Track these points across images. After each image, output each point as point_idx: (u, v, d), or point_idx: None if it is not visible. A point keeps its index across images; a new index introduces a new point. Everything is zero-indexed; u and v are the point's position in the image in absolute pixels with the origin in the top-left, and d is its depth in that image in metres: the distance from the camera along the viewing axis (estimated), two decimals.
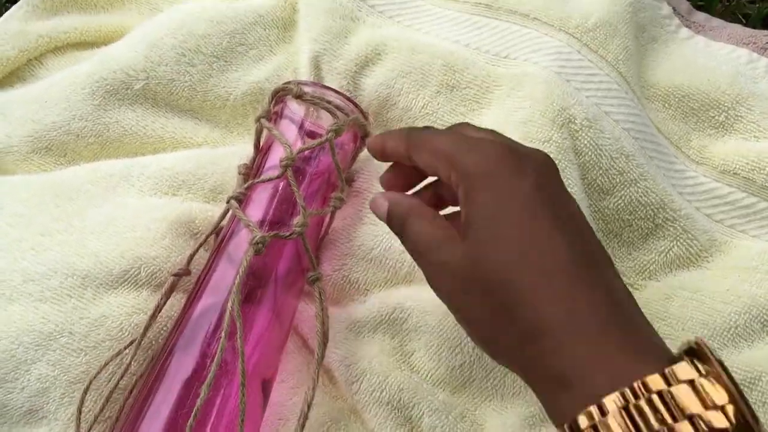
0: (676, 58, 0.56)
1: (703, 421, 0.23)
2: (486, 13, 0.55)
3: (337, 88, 0.50)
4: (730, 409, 0.24)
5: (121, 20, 0.62)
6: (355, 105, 0.49)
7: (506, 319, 0.28)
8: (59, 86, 0.54)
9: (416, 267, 0.46)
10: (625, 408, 0.24)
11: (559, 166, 0.46)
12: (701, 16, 0.61)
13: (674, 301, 0.47)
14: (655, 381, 0.25)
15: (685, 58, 0.56)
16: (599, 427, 0.24)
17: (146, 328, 0.43)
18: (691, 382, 0.24)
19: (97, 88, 0.54)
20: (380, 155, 0.39)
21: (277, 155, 0.46)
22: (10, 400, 0.43)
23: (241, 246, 0.43)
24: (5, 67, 0.57)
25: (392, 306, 0.45)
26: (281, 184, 0.45)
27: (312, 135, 0.47)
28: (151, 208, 0.48)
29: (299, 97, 0.47)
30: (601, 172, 0.49)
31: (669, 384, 0.24)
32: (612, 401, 0.24)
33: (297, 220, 0.42)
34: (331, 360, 0.44)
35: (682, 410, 0.24)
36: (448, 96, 0.51)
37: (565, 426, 0.26)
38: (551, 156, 0.45)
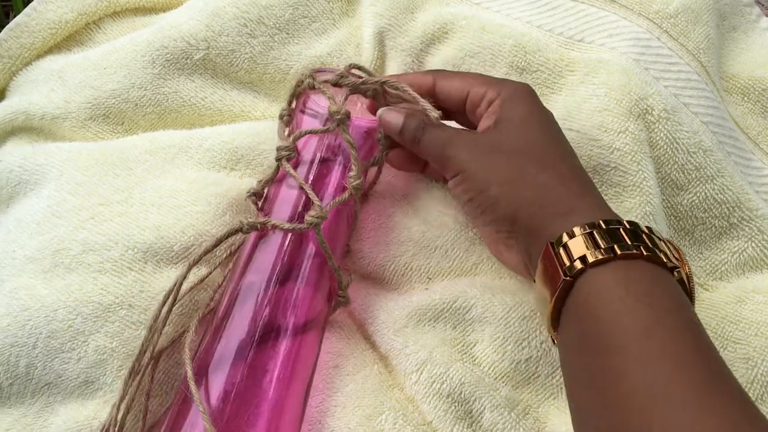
0: (756, 49, 0.54)
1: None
2: None
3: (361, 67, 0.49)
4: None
5: None
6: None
7: (541, 176, 0.39)
8: (119, 53, 0.54)
9: (484, 258, 0.46)
10: (589, 233, 0.35)
11: (634, 159, 0.45)
12: None
13: (747, 304, 0.46)
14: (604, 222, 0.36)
15: (766, 49, 0.54)
16: (569, 244, 0.35)
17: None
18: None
19: (157, 56, 0.53)
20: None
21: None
22: (65, 371, 0.43)
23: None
24: (63, 30, 0.57)
25: (455, 295, 0.44)
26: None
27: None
28: (211, 182, 0.48)
29: (312, 88, 0.47)
30: (676, 166, 0.47)
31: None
32: (580, 228, 0.36)
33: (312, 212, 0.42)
34: (390, 348, 0.44)
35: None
36: (517, 78, 0.50)
37: (556, 240, 0.36)
38: (627, 147, 0.45)
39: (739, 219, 0.48)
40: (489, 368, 0.43)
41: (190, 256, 0.45)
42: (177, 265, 0.45)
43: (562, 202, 0.38)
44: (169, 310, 0.41)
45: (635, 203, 0.45)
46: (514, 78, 0.50)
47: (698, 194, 0.47)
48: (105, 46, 0.56)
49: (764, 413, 0.42)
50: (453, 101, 0.45)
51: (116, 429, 0.40)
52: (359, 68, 0.49)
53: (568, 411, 0.42)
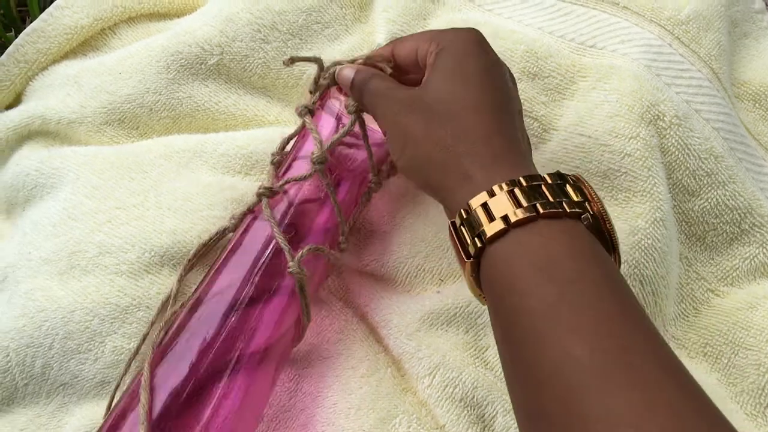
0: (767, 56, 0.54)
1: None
2: None
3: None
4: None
5: None
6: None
7: (439, 131, 0.36)
8: (134, 58, 0.54)
9: None
10: (510, 191, 0.33)
11: (645, 164, 0.45)
12: None
13: (758, 310, 0.46)
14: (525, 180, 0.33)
15: None
16: (489, 204, 0.33)
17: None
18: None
19: (171, 61, 0.54)
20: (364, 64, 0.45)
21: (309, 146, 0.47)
22: (82, 371, 0.44)
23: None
24: (79, 35, 0.57)
25: (468, 299, 0.44)
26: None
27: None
28: (226, 186, 0.49)
29: (316, 81, 0.47)
30: (688, 172, 0.47)
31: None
32: (500, 187, 0.33)
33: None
34: (403, 351, 0.44)
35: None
36: (529, 84, 0.50)
37: (462, 209, 0.34)
38: (638, 152, 0.45)
39: (751, 225, 0.48)
40: (501, 372, 0.43)
41: (206, 260, 0.45)
42: (194, 269, 0.45)
43: (461, 164, 0.35)
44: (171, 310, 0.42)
45: (645, 209, 0.45)
46: (525, 83, 0.50)
47: (710, 200, 0.48)
48: (120, 51, 0.57)
49: None
50: (408, 63, 0.43)
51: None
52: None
53: None
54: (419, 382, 0.43)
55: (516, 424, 0.41)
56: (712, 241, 0.48)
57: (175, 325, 0.41)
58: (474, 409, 0.42)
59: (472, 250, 0.33)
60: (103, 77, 0.54)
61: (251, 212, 0.45)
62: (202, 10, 0.58)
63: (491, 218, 0.32)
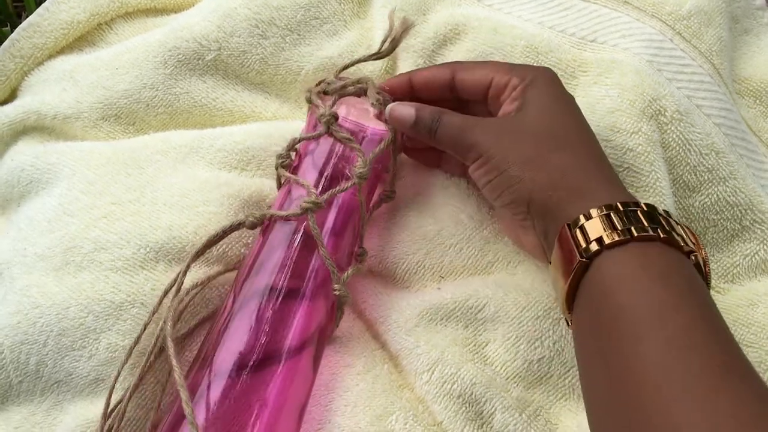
0: None
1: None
2: None
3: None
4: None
5: None
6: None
7: (555, 155, 0.40)
8: (131, 54, 0.54)
9: (499, 257, 0.46)
10: (606, 215, 0.36)
11: (647, 159, 0.45)
12: None
13: (759, 308, 0.46)
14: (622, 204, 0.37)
15: None
16: (612, 215, 0.36)
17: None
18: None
19: (168, 57, 0.53)
20: (422, 85, 0.47)
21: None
22: (76, 369, 0.43)
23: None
24: (76, 30, 0.57)
25: (467, 294, 0.44)
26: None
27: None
28: (223, 182, 0.48)
29: (309, 102, 0.47)
30: (689, 168, 0.47)
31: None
32: (597, 209, 0.36)
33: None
34: (401, 347, 0.43)
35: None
36: None
37: (572, 221, 0.37)
38: (640, 147, 0.44)
39: (752, 221, 0.47)
40: (501, 368, 0.43)
41: (203, 257, 0.45)
42: (198, 260, 0.44)
43: (579, 184, 0.38)
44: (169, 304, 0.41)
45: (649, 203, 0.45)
46: None
47: (710, 196, 0.47)
48: (117, 46, 0.56)
49: None
50: (475, 90, 0.45)
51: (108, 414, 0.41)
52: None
53: (579, 412, 0.42)
54: (417, 378, 0.42)
55: (514, 422, 0.41)
56: (713, 237, 0.48)
57: (215, 331, 0.41)
58: (472, 406, 0.41)
59: (585, 252, 0.35)
60: (100, 72, 0.54)
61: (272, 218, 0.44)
62: (199, 6, 0.57)
63: (614, 229, 0.35)
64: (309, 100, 0.47)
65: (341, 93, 0.47)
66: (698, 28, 0.51)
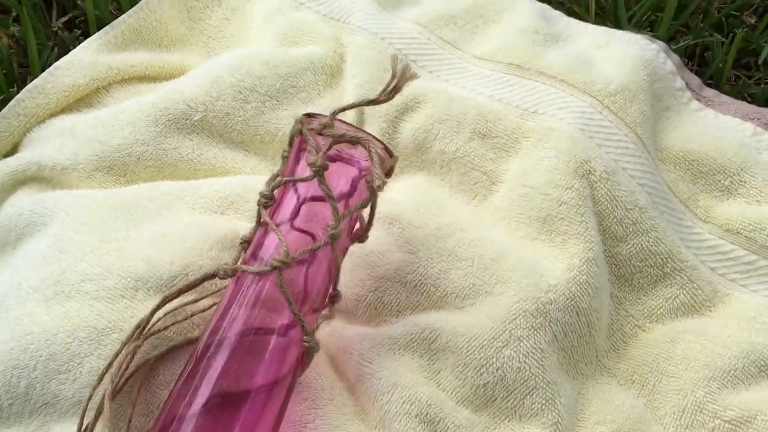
0: (687, 126, 0.60)
1: None
2: (517, 72, 0.60)
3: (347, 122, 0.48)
4: None
5: (182, 60, 0.67)
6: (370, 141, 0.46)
7: None
8: (126, 113, 0.58)
9: (448, 292, 0.49)
10: None
11: (578, 211, 0.50)
12: (711, 92, 0.66)
13: (679, 343, 0.50)
14: None
15: (695, 127, 0.60)
16: None
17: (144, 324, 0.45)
18: None
19: (160, 116, 0.58)
20: None
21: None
22: (62, 391, 0.45)
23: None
24: (76, 93, 0.61)
25: (422, 326, 0.47)
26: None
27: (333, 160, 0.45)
28: (201, 224, 0.51)
29: (300, 134, 0.46)
30: (616, 220, 0.52)
31: None
32: None
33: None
34: (363, 373, 0.46)
35: None
36: (480, 142, 0.55)
37: None
38: (573, 200, 0.49)
39: (672, 269, 0.52)
40: (452, 393, 0.46)
41: (176, 284, 0.47)
42: (165, 292, 0.47)
43: None
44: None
45: (579, 249, 0.49)
46: (476, 142, 0.55)
47: (635, 245, 0.52)
48: (113, 107, 0.60)
49: None
50: None
51: None
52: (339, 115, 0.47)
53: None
54: (377, 400, 0.44)
55: None
56: (639, 282, 0.52)
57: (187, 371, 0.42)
58: (428, 425, 0.44)
59: None
60: (97, 129, 0.58)
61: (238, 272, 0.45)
62: (189, 74, 0.62)
63: None
64: (300, 133, 0.46)
65: (337, 140, 0.45)
66: (623, 103, 0.57)
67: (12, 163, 0.58)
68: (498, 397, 0.46)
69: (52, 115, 0.61)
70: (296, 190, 0.47)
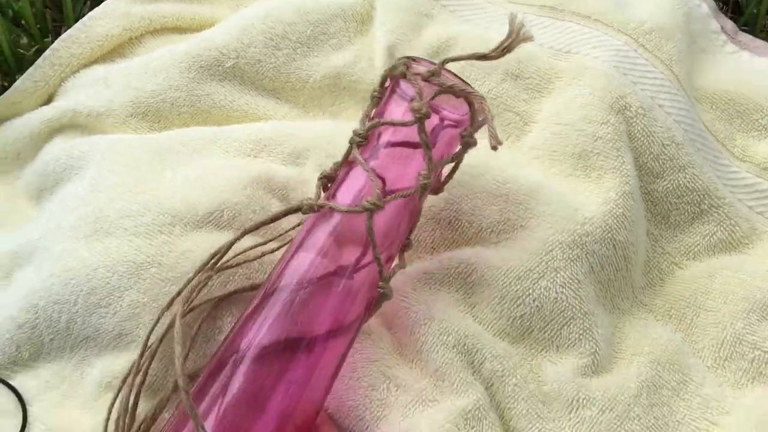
0: (723, 68, 0.59)
1: None
2: (551, 14, 0.59)
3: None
4: None
5: (211, 12, 0.66)
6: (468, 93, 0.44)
7: None
8: (160, 60, 0.58)
9: (482, 228, 0.49)
10: None
11: (614, 146, 0.49)
12: (746, 37, 0.64)
13: (717, 278, 0.49)
14: None
15: (731, 69, 0.59)
16: None
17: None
18: None
19: (192, 63, 0.58)
20: None
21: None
22: (102, 325, 0.46)
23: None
24: (109, 43, 0.61)
25: (458, 261, 0.47)
26: None
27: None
28: (235, 166, 0.51)
29: (404, 76, 0.43)
30: (652, 156, 0.51)
31: None
32: None
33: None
34: (399, 308, 0.46)
35: None
36: (512, 84, 0.54)
37: None
38: (608, 135, 0.49)
39: (709, 206, 0.51)
40: (488, 326, 0.46)
41: (213, 220, 0.48)
42: (201, 228, 0.47)
43: None
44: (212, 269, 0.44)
45: (615, 183, 0.49)
46: (508, 83, 0.55)
47: (672, 182, 0.51)
48: (146, 56, 0.60)
49: (735, 370, 0.46)
50: None
51: (139, 374, 0.43)
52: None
53: (557, 362, 0.45)
54: (415, 331, 0.44)
55: (501, 368, 0.44)
56: (675, 219, 0.52)
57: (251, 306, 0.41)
58: (465, 356, 0.44)
59: None
60: (130, 76, 0.58)
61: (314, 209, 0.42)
62: (220, 24, 0.62)
63: None
64: (403, 75, 0.43)
65: (445, 90, 0.43)
66: (659, 42, 0.56)
67: (48, 111, 0.58)
68: (535, 328, 0.46)
69: (85, 65, 0.61)
70: (378, 134, 0.44)
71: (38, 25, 0.65)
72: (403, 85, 0.44)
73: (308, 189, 0.51)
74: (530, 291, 0.46)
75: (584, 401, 0.44)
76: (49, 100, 0.61)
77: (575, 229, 0.47)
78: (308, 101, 0.60)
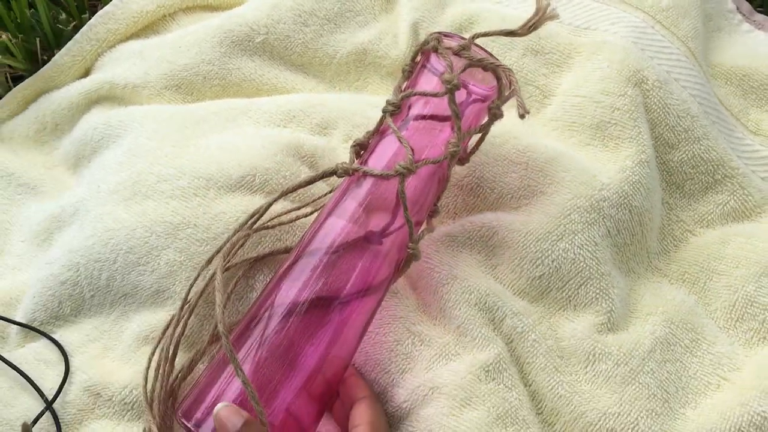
0: (738, 46, 0.60)
1: None
2: None
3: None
4: None
5: None
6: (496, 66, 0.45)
7: None
8: (193, 35, 0.60)
9: (503, 194, 0.50)
10: None
11: (631, 117, 0.50)
12: (761, 17, 0.65)
13: (729, 244, 0.50)
14: None
15: (746, 47, 0.60)
16: None
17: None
18: None
19: (224, 38, 0.59)
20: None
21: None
22: (141, 282, 0.48)
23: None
24: (144, 19, 0.63)
25: (479, 225, 0.48)
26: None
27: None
28: (266, 134, 0.53)
29: (435, 51, 0.45)
30: (668, 127, 0.52)
31: None
32: None
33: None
34: (422, 269, 0.47)
35: None
36: (533, 59, 0.56)
37: None
38: (626, 107, 0.50)
39: (723, 176, 0.52)
40: (509, 285, 0.47)
41: (246, 185, 0.49)
42: (234, 192, 0.49)
43: None
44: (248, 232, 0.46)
45: (632, 152, 0.50)
46: (529, 58, 0.56)
47: (687, 152, 0.52)
48: (179, 31, 0.62)
49: (746, 330, 0.47)
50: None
51: (179, 326, 0.44)
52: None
53: (574, 320, 0.47)
54: (439, 290, 0.46)
55: (521, 324, 0.45)
56: (690, 188, 0.53)
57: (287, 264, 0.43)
58: (486, 313, 0.45)
59: None
60: (164, 50, 0.60)
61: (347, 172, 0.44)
62: (250, 1, 0.64)
63: None
64: (435, 50, 0.45)
65: (475, 64, 0.44)
66: (675, 18, 0.57)
67: (86, 83, 0.61)
68: (553, 287, 0.47)
69: (121, 41, 0.63)
70: (409, 106, 0.46)
71: (76, 3, 0.67)
72: (434, 60, 0.46)
73: (336, 157, 0.53)
74: (549, 252, 0.47)
75: (600, 355, 0.45)
76: (86, 74, 0.63)
77: (593, 194, 0.48)
78: (335, 76, 0.61)
